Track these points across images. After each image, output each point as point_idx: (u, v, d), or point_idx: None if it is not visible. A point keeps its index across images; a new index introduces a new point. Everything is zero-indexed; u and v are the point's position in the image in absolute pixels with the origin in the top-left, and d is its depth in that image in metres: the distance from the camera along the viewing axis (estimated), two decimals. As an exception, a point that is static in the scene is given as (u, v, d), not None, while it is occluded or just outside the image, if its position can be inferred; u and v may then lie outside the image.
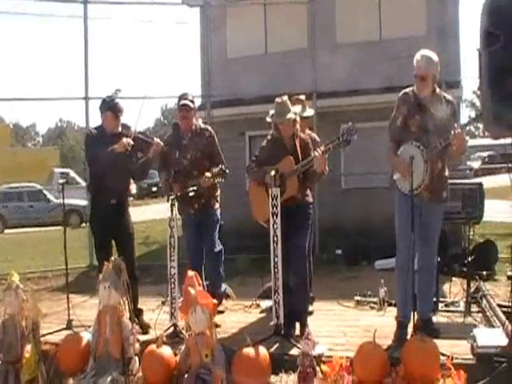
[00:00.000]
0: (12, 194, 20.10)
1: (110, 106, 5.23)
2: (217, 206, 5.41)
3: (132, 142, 5.07)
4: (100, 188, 5.21)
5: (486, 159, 32.17)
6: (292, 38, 12.08)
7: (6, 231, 18.75)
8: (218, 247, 5.41)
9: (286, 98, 4.83)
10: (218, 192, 5.43)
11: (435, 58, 4.35)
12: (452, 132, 4.11)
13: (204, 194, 5.19)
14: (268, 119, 4.95)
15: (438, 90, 4.44)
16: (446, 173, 4.50)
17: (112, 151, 5.01)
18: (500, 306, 4.96)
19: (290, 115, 4.73)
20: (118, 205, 5.21)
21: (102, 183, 5.13)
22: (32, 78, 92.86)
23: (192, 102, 5.30)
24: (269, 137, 4.97)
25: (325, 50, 11.26)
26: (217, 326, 4.88)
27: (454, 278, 6.48)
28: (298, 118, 4.86)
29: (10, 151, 29.65)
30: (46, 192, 19.32)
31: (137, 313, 5.13)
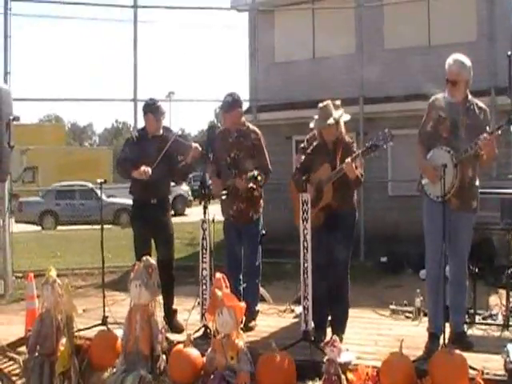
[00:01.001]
0: (64, 192, 20.78)
1: (152, 109, 5.30)
2: (256, 217, 5.25)
3: (150, 172, 5.09)
4: (140, 188, 5.30)
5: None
6: (340, 43, 12.02)
7: (58, 228, 19.38)
8: (257, 261, 5.29)
9: (328, 102, 4.77)
10: (261, 203, 5.30)
11: (468, 62, 4.23)
12: (481, 137, 4.01)
13: (242, 198, 5.13)
14: (311, 125, 4.90)
15: (470, 96, 4.33)
16: (477, 182, 4.37)
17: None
18: (540, 321, 4.78)
19: (331, 120, 4.69)
20: (158, 205, 5.28)
21: (143, 183, 5.22)
22: (91, 80, 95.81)
23: (233, 101, 5.20)
24: (315, 143, 4.91)
25: (373, 55, 11.19)
26: (249, 329, 4.92)
27: (500, 290, 6.31)
28: (341, 123, 4.78)
29: (65, 150, 30.59)
30: (97, 190, 19.86)
31: (171, 313, 5.22)
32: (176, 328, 5.07)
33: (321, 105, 4.76)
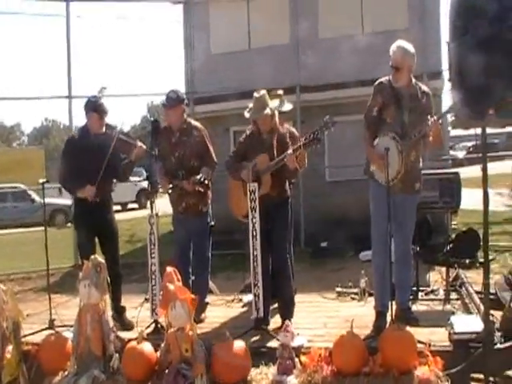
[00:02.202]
0: (-5, 194, 19.84)
1: (95, 107, 5.17)
2: (204, 209, 5.27)
3: (94, 192, 5.06)
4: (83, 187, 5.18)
5: (471, 149, 32.20)
6: (275, 33, 12.11)
7: (-11, 233, 18.53)
8: (207, 253, 5.31)
9: (263, 92, 4.80)
10: (209, 195, 5.30)
11: (411, 49, 4.36)
12: (428, 122, 4.15)
13: (190, 195, 5.11)
14: (246, 114, 4.92)
15: (413, 80, 4.45)
16: (420, 164, 4.53)
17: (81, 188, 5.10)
18: (478, 292, 5.02)
19: (267, 111, 4.71)
20: (101, 203, 5.19)
21: (86, 183, 5.09)
22: (17, 77, 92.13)
23: (177, 97, 5.15)
24: (248, 131, 4.95)
25: (308, 44, 11.32)
26: (200, 321, 4.93)
27: (437, 267, 6.57)
28: (276, 113, 4.83)
29: (-7, 151, 29.24)
30: (30, 192, 19.13)
31: (120, 310, 5.17)
32: (126, 325, 5.03)
33: (256, 95, 4.78)
